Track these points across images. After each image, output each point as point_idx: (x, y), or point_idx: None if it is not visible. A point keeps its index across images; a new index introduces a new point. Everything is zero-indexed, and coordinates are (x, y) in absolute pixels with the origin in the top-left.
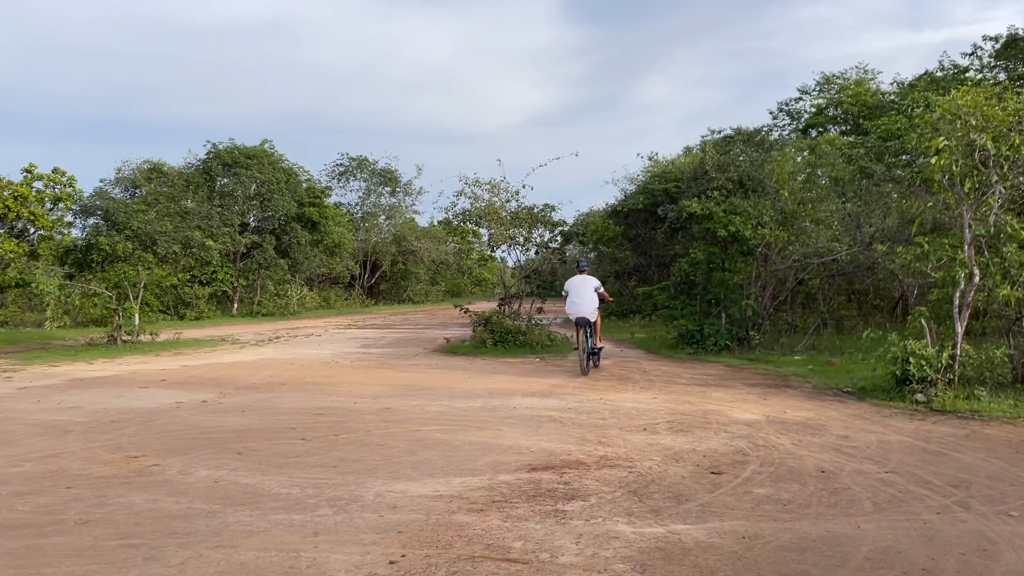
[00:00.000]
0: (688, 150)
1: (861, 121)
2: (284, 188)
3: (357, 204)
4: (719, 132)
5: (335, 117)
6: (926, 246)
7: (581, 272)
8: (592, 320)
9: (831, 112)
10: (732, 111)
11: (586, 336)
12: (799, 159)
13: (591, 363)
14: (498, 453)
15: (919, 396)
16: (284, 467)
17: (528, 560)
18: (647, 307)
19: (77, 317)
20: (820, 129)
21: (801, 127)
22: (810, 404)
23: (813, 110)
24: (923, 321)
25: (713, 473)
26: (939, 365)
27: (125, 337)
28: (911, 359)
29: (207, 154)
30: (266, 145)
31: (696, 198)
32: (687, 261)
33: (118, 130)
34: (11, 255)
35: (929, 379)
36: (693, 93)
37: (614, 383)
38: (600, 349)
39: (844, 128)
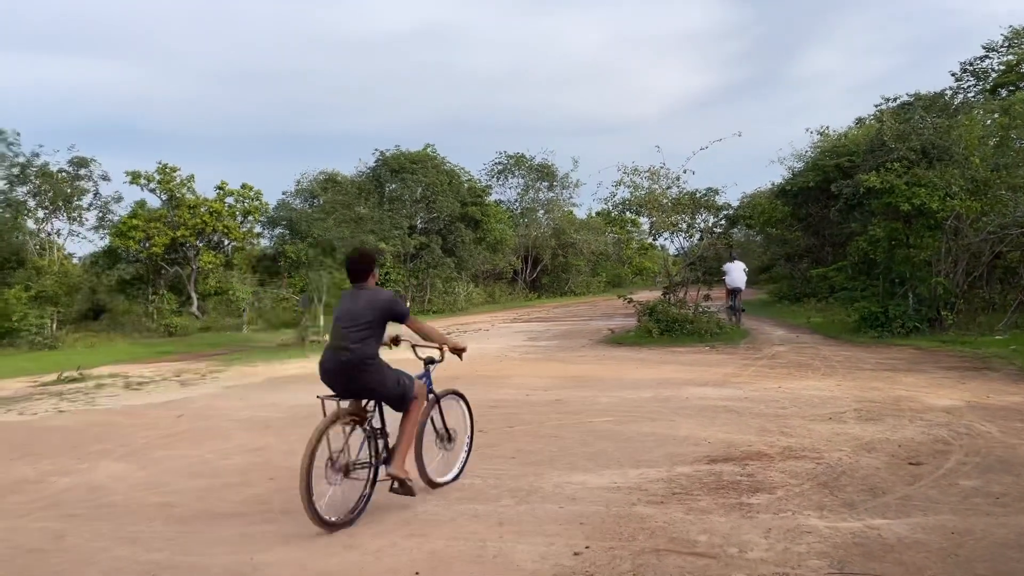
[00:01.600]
0: (860, 121)
1: None
2: (447, 189)
3: (516, 200)
4: (894, 100)
5: (492, 117)
6: None
7: (733, 260)
8: (742, 288)
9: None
10: (906, 78)
11: (735, 298)
12: (989, 122)
13: (738, 318)
14: (674, 444)
15: None
16: (472, 460)
17: (715, 555)
18: (823, 289)
19: (271, 320)
20: (1012, 88)
21: (989, 87)
22: (1017, 388)
23: (1003, 68)
24: None
25: (911, 464)
26: None
27: (313, 337)
28: None
29: (376, 162)
30: (429, 149)
31: (874, 171)
32: (866, 239)
33: (295, 144)
34: (210, 265)
35: None
36: (861, 62)
37: (792, 370)
38: (743, 310)
39: None
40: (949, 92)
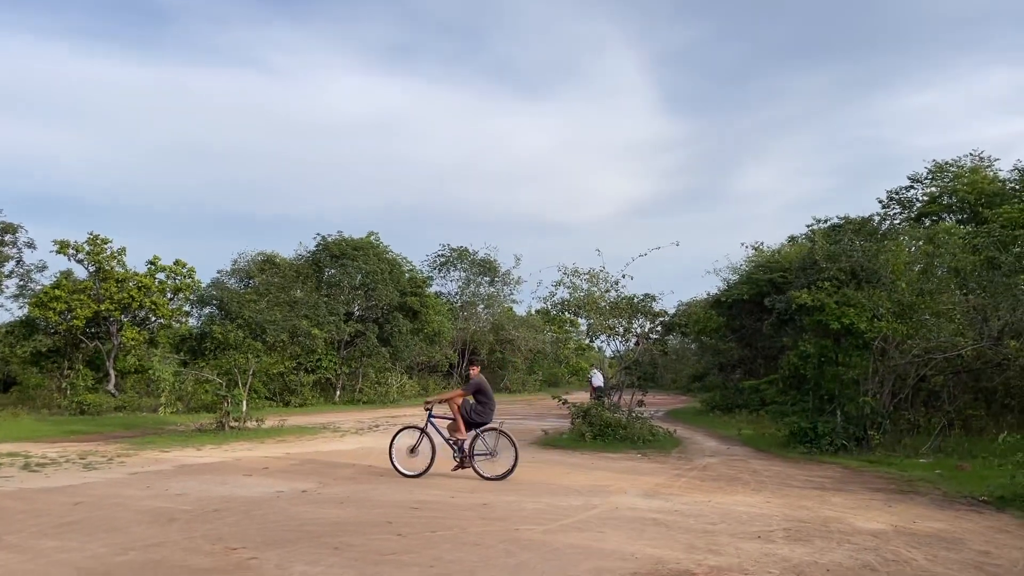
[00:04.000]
0: (793, 239)
1: (980, 209)
2: (388, 278)
3: (457, 293)
4: (825, 221)
5: (437, 209)
6: None
7: (594, 369)
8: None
9: (945, 200)
10: (838, 200)
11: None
12: (914, 249)
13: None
14: (600, 558)
15: None
16: (379, 564)
17: None
18: (754, 402)
19: (189, 403)
20: (934, 218)
21: (914, 216)
22: (942, 514)
23: (926, 198)
24: None
25: None
26: None
27: (232, 423)
28: None
29: (316, 246)
30: (372, 237)
31: (806, 289)
32: (796, 354)
33: (235, 224)
34: (132, 342)
35: None
36: (796, 182)
37: (723, 484)
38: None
39: (961, 217)
40: (877, 218)
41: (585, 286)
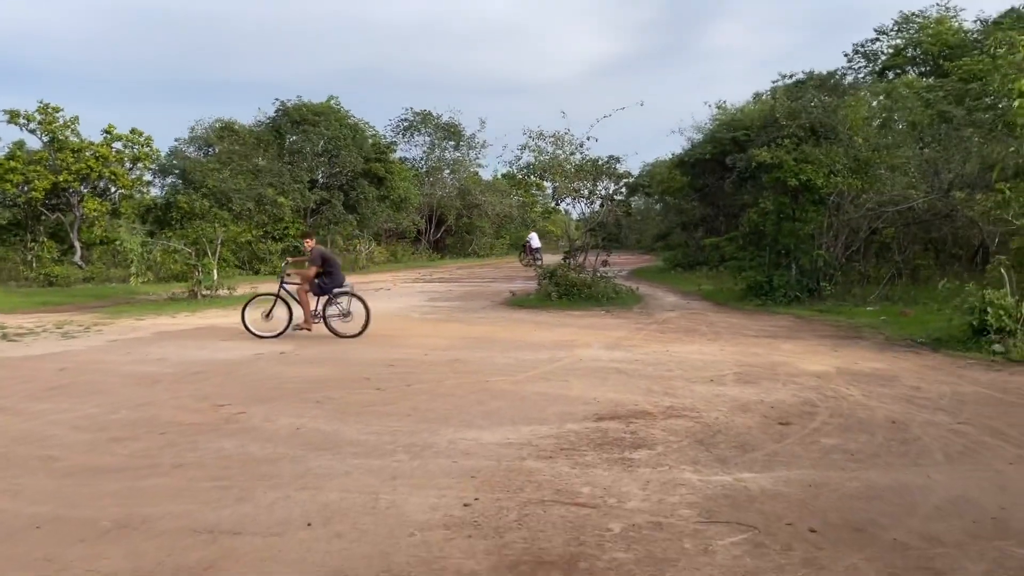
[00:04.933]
0: (758, 96)
1: (941, 62)
2: (351, 144)
3: (422, 159)
4: (791, 77)
5: (399, 72)
6: (1008, 193)
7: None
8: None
9: (910, 53)
10: (806, 55)
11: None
12: (875, 104)
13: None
14: (566, 403)
15: (997, 347)
16: (361, 415)
17: (596, 505)
18: (714, 259)
19: (159, 273)
20: (898, 71)
21: (878, 70)
22: (882, 355)
23: (891, 51)
24: (1003, 270)
25: (781, 424)
26: (1019, 315)
27: (204, 292)
28: (989, 309)
29: (276, 112)
30: (332, 102)
31: (766, 147)
32: (756, 211)
33: (191, 90)
34: (95, 213)
35: (1008, 329)
36: (766, 36)
37: (680, 335)
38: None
39: (923, 69)
40: (841, 72)
41: (550, 149)
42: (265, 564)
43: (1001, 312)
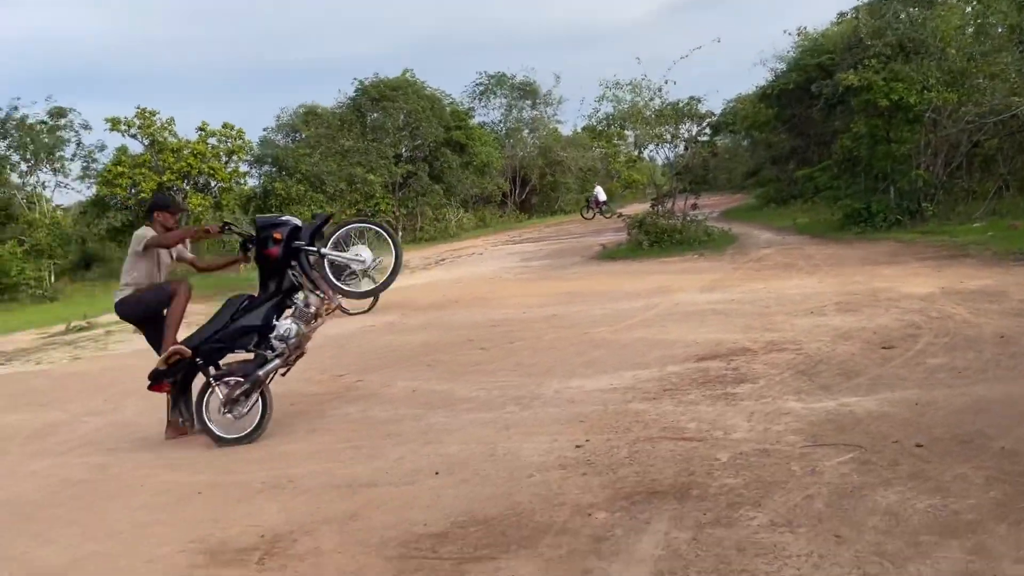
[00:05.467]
0: (842, 16)
1: None
2: (430, 115)
3: (500, 121)
4: None
5: (470, 34)
6: None
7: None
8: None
9: None
10: None
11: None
12: (969, 10)
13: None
14: (665, 347)
15: None
16: (470, 374)
17: (703, 438)
18: (808, 190)
19: None
20: None
21: None
22: (989, 272)
23: None
24: None
25: (884, 348)
26: None
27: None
28: None
29: (356, 91)
30: (408, 75)
31: (852, 69)
32: (848, 137)
33: (271, 79)
34: (200, 208)
35: None
36: None
37: (778, 271)
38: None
39: None
40: None
41: (628, 97)
42: (402, 510)
43: None
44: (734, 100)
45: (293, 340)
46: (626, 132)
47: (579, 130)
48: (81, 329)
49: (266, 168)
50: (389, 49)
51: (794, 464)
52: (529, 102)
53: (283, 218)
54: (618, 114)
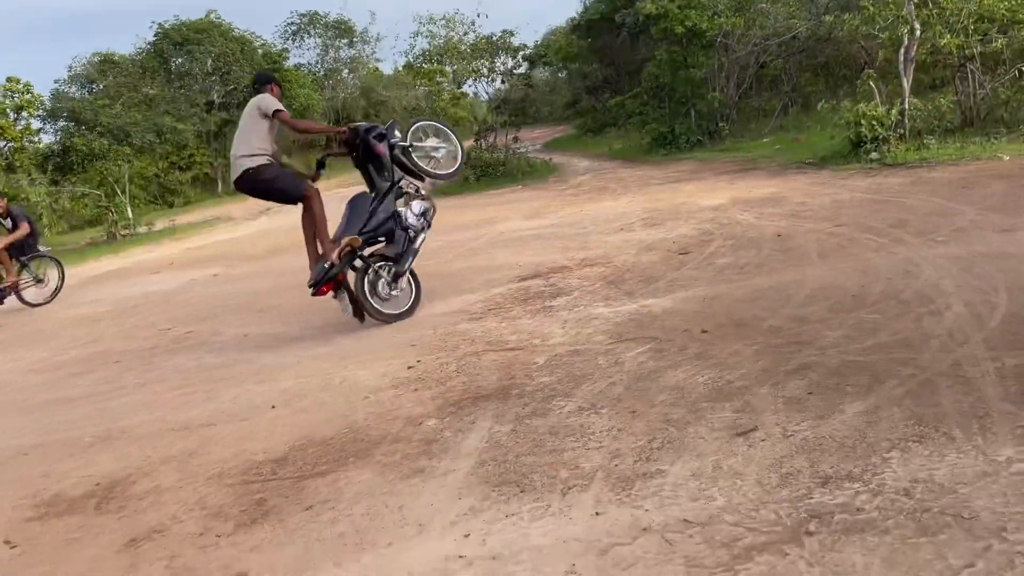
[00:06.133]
0: None
1: None
2: (241, 58)
3: (317, 63)
4: None
5: None
6: (871, 8)
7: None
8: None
9: None
10: None
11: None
12: None
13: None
14: (490, 272)
15: (873, 155)
16: (302, 316)
17: (523, 347)
18: (621, 118)
19: (72, 221)
20: None
21: None
22: (774, 180)
23: None
24: (871, 83)
25: (681, 254)
26: (890, 122)
27: (123, 232)
28: (863, 121)
29: (155, 36)
30: (212, 16)
31: None
32: (653, 64)
33: (57, 27)
34: None
35: (881, 137)
36: None
37: (593, 195)
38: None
39: None
40: None
41: (443, 32)
42: (241, 442)
43: (874, 122)
44: (548, 32)
45: (431, 214)
46: (446, 68)
47: (400, 69)
48: None
49: (63, 123)
50: None
51: (600, 359)
52: (346, 41)
53: (374, 124)
54: (434, 49)
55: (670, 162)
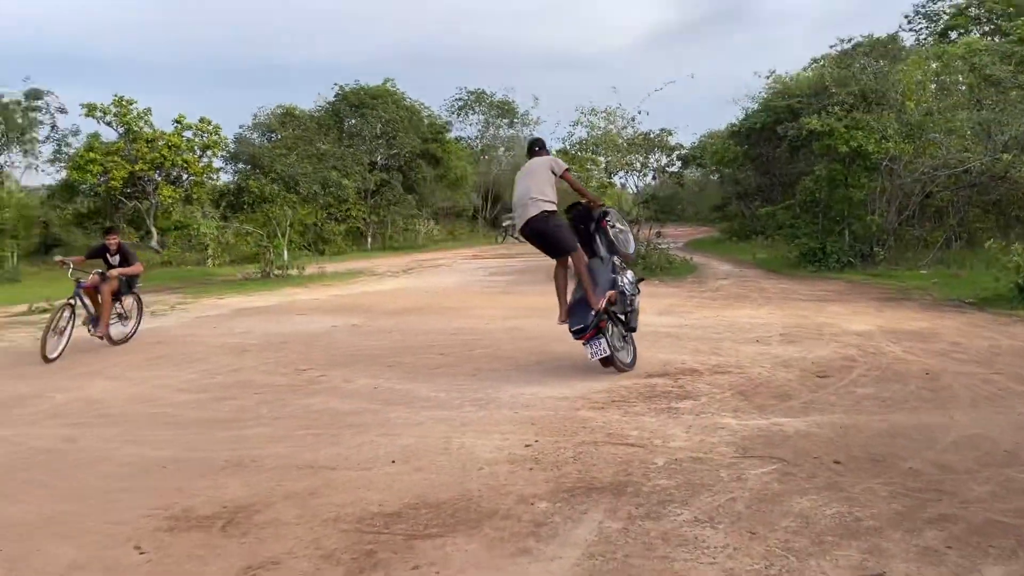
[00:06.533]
0: (815, 62)
1: (1003, 23)
2: (408, 126)
3: (477, 138)
4: (848, 41)
5: (453, 50)
6: None
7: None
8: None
9: (973, 12)
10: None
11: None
12: (933, 66)
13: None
14: None
15: None
16: (430, 376)
17: (643, 444)
18: (770, 227)
19: (233, 255)
20: (961, 31)
21: (939, 31)
22: (927, 315)
23: (953, 11)
24: None
25: (819, 377)
26: None
27: (276, 272)
28: None
29: (335, 96)
30: (388, 84)
31: (816, 115)
32: (810, 179)
33: (251, 76)
34: (169, 200)
35: None
36: None
37: (731, 301)
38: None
39: (987, 29)
40: (902, 32)
41: (603, 124)
42: (359, 491)
43: None
44: (705, 135)
45: (636, 282)
46: (599, 158)
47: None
48: (44, 311)
49: (241, 166)
50: (371, 57)
51: (723, 471)
52: (507, 120)
53: (605, 207)
54: (591, 139)
55: (817, 279)
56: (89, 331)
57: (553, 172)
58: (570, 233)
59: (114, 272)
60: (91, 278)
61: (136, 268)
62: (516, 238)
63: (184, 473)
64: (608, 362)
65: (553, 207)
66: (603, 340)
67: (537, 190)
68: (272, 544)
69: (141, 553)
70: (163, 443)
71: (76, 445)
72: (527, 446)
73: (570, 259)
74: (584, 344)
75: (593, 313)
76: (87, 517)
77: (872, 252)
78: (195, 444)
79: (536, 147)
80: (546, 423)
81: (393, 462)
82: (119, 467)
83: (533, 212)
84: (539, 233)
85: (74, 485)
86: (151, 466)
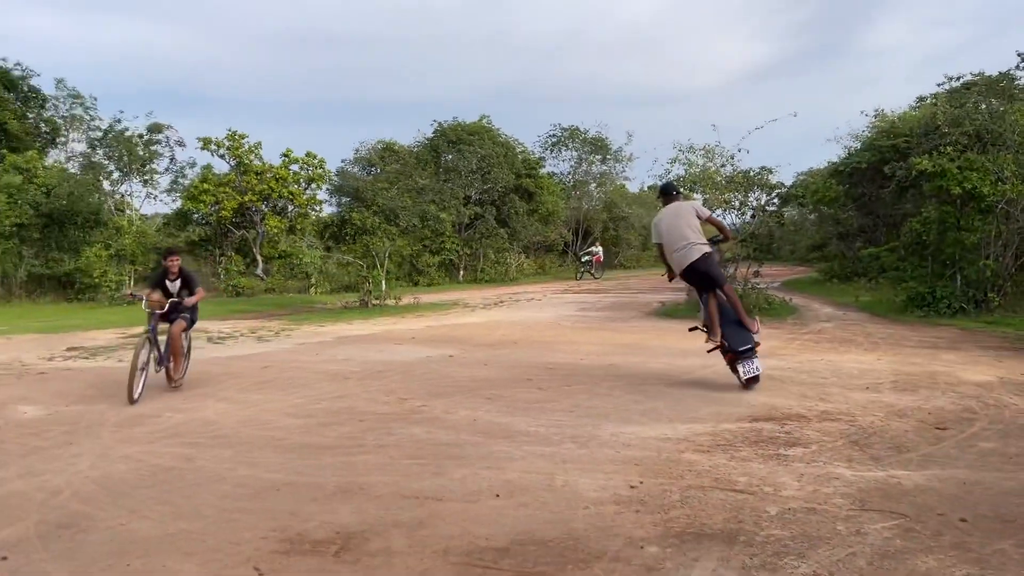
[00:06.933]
0: (921, 100)
1: None
2: (502, 161)
3: (569, 173)
4: (957, 79)
5: (546, 86)
6: None
7: (594, 243)
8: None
9: None
10: (974, 52)
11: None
12: None
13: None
14: (720, 405)
15: None
16: (528, 411)
17: (753, 491)
18: (873, 269)
19: (333, 284)
20: None
21: None
22: None
23: None
24: None
25: (937, 428)
26: None
27: (374, 301)
28: None
29: (434, 132)
30: (484, 120)
31: (927, 155)
32: (918, 221)
33: (351, 111)
34: (275, 230)
35: None
36: (929, 34)
37: (836, 345)
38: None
39: None
40: (1017, 69)
41: (701, 162)
42: (466, 523)
43: None
44: (805, 173)
45: None
46: (694, 195)
47: (646, 188)
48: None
49: (344, 199)
50: (468, 95)
51: (840, 524)
52: (599, 157)
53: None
54: (689, 177)
55: (926, 325)
56: (155, 370)
57: (699, 216)
58: (720, 269)
59: (185, 308)
60: (162, 308)
61: (199, 295)
62: (594, 275)
63: (296, 497)
64: (754, 381)
65: (709, 248)
66: (758, 359)
67: (693, 235)
68: (383, 572)
69: (260, 574)
70: (275, 466)
71: (193, 464)
72: (632, 487)
73: (719, 291)
74: (739, 364)
75: (755, 333)
76: (207, 535)
77: (986, 298)
78: (305, 468)
79: (673, 191)
80: (650, 464)
81: (497, 496)
82: (235, 487)
83: (695, 256)
84: (701, 273)
85: (194, 503)
86: (265, 488)
